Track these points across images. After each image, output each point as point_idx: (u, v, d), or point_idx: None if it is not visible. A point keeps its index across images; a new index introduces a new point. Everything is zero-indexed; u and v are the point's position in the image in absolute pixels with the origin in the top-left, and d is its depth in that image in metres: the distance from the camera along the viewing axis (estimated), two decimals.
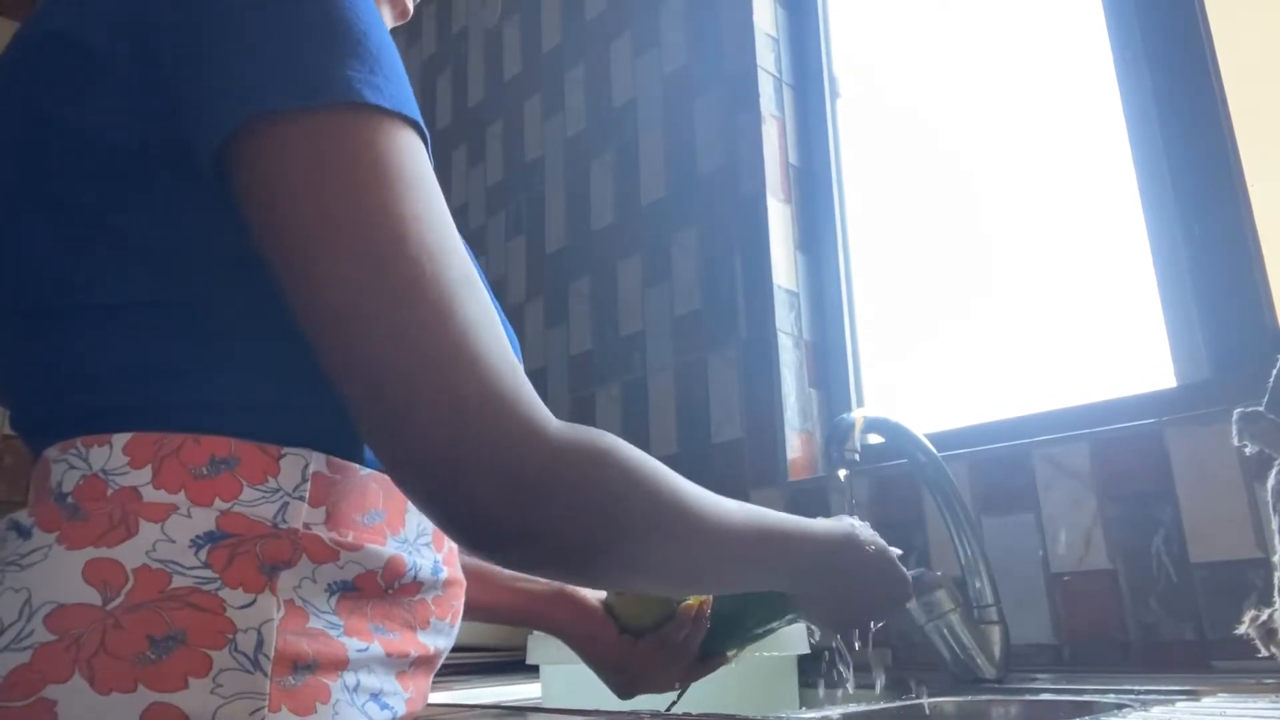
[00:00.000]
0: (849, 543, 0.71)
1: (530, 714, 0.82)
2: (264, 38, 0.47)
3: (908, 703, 0.87)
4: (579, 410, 1.67)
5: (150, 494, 0.48)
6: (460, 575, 0.63)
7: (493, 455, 0.45)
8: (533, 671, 1.07)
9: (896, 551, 0.77)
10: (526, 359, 1.79)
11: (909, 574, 0.77)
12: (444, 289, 0.46)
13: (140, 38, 0.49)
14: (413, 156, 0.49)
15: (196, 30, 0.48)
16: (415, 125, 0.50)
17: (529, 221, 1.88)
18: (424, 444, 0.44)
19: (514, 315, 1.85)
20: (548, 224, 1.83)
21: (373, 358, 0.44)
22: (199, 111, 0.48)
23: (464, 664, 1.34)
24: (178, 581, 0.46)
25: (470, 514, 0.45)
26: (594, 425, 1.62)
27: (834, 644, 0.79)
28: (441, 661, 0.61)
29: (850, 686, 0.86)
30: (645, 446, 1.53)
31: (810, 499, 1.27)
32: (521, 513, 0.46)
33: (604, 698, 0.87)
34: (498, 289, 1.91)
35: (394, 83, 0.49)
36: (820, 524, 0.70)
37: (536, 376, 1.77)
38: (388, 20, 0.71)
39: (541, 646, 1.00)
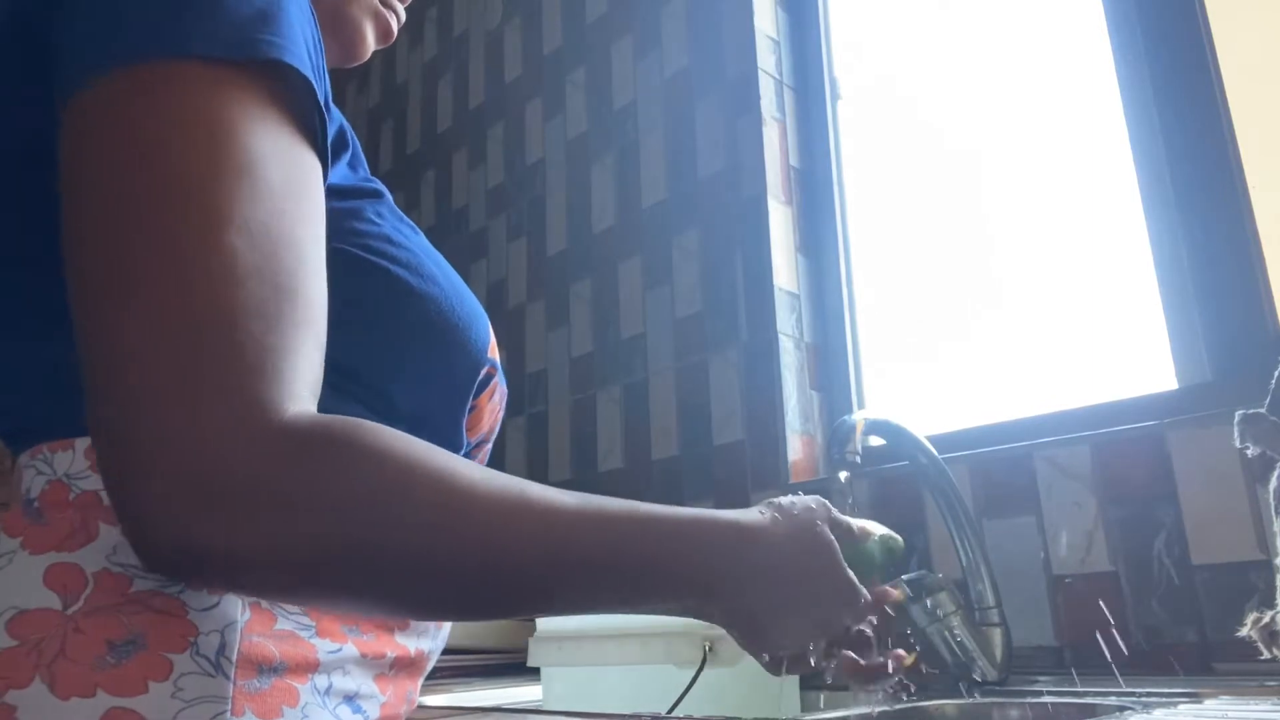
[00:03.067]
0: (782, 535, 0.54)
1: (531, 716, 0.82)
2: (97, 11, 0.44)
3: (909, 705, 0.87)
4: (580, 412, 1.67)
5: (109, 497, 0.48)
6: None
7: (176, 453, 0.37)
8: (533, 674, 1.07)
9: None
10: (527, 361, 1.79)
11: (860, 588, 0.58)
12: (205, 257, 0.39)
13: (15, 36, 0.48)
14: (230, 102, 0.42)
15: (53, 17, 0.46)
16: (273, 70, 0.44)
17: (530, 224, 1.88)
18: (114, 435, 0.38)
19: (515, 317, 1.85)
20: (549, 226, 1.83)
21: (95, 328, 0.39)
22: (57, 91, 0.46)
23: (464, 666, 1.34)
24: (139, 585, 0.46)
25: (136, 518, 0.38)
26: (595, 428, 1.63)
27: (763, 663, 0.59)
28: (430, 665, 0.60)
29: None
30: (646, 449, 1.54)
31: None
32: (211, 530, 0.37)
33: (604, 700, 0.87)
34: (499, 291, 1.91)
35: (237, 28, 0.43)
36: (730, 512, 0.54)
37: (537, 379, 1.77)
38: (371, 40, 0.68)
39: (542, 649, 1.00)
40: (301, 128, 0.46)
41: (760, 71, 1.48)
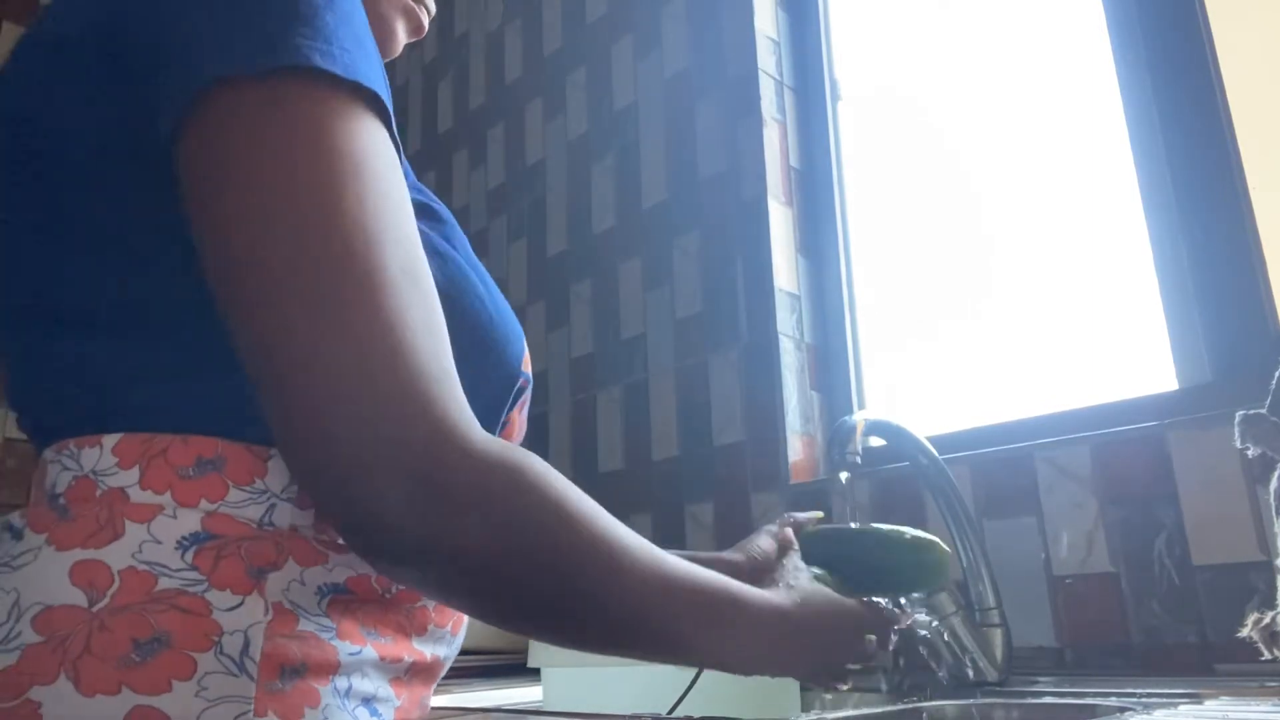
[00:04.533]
0: (806, 615, 0.63)
1: (531, 717, 0.82)
2: (214, 16, 0.46)
3: (909, 706, 0.87)
4: (580, 413, 1.67)
5: (137, 495, 0.48)
6: None
7: (403, 455, 0.42)
8: (534, 675, 1.07)
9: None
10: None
11: (861, 606, 0.68)
12: (376, 279, 0.43)
13: (111, 35, 0.49)
14: (363, 132, 0.46)
15: (155, 23, 0.48)
16: (374, 97, 0.48)
17: (530, 224, 1.89)
18: (330, 443, 0.42)
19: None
20: (549, 227, 1.83)
21: (285, 351, 0.42)
22: (155, 101, 0.47)
23: (465, 667, 1.34)
24: (164, 583, 0.46)
25: (369, 516, 0.42)
26: (596, 429, 1.63)
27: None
28: (444, 672, 0.60)
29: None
30: (647, 450, 1.54)
31: (812, 502, 1.26)
32: (429, 523, 0.43)
33: (605, 700, 0.87)
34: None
35: (351, 51, 0.47)
36: (771, 594, 0.62)
37: (538, 380, 1.77)
38: (402, 35, 0.69)
39: (543, 649, 1.00)
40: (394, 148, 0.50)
41: (760, 72, 1.48)
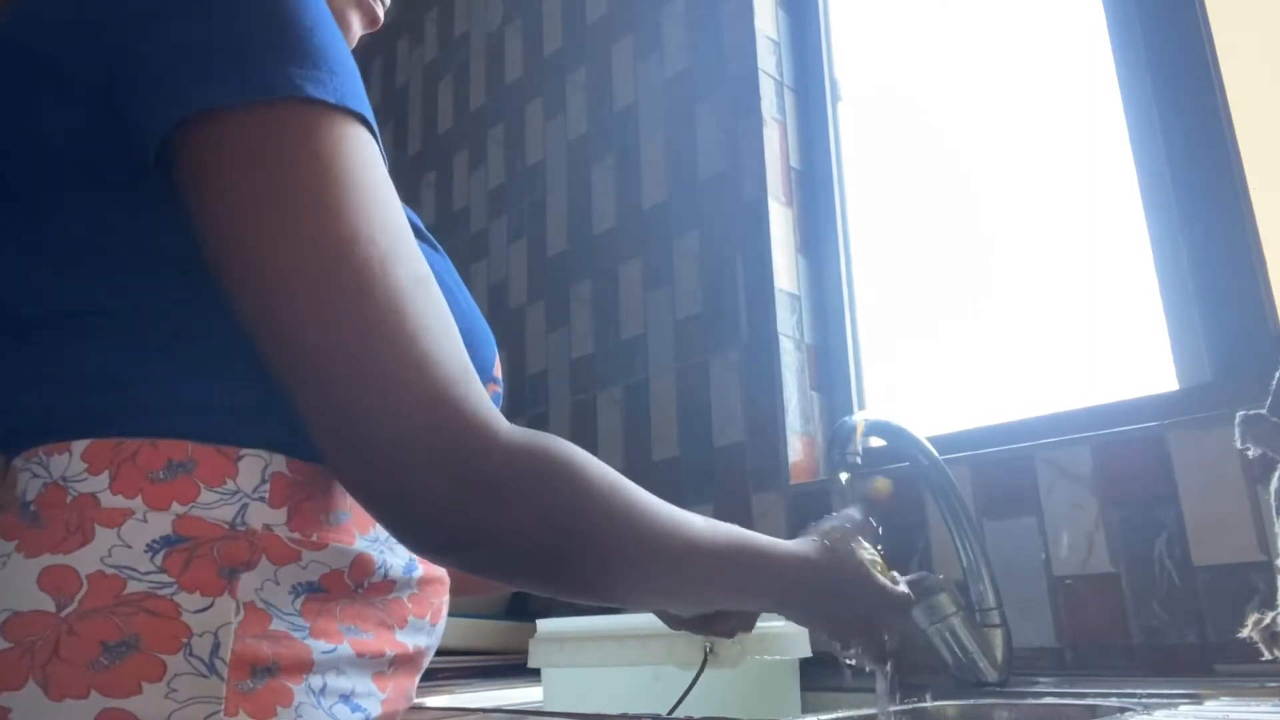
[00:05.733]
0: (829, 565, 0.68)
1: (531, 717, 0.82)
2: (205, 35, 0.47)
3: (910, 706, 0.87)
4: (580, 413, 1.67)
5: (108, 500, 0.48)
6: (440, 573, 0.62)
7: (445, 451, 0.45)
8: (534, 675, 1.07)
9: (866, 553, 0.73)
10: (528, 362, 1.79)
11: (900, 588, 0.72)
12: (393, 290, 0.46)
13: (84, 41, 0.49)
14: (360, 152, 0.48)
15: (137, 29, 0.48)
16: (364, 121, 0.49)
17: (530, 225, 1.88)
18: (374, 447, 0.44)
19: (515, 318, 1.85)
20: (549, 227, 1.83)
21: (320, 360, 0.44)
22: (140, 111, 0.47)
23: (465, 667, 1.34)
24: (133, 587, 0.46)
25: (422, 512, 0.45)
26: (596, 429, 1.63)
27: (841, 655, 0.74)
28: (427, 661, 0.61)
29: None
30: (647, 450, 1.54)
31: (812, 502, 1.26)
32: (479, 510, 0.46)
33: (605, 700, 0.87)
34: (499, 292, 1.91)
35: (340, 78, 0.49)
36: (796, 544, 0.67)
37: (538, 380, 1.77)
38: (357, 28, 0.70)
39: (543, 650, 1.00)
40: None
41: (761, 73, 1.48)
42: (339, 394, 0.44)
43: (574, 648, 0.97)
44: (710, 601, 0.65)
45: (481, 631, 1.36)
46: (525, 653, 1.03)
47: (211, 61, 0.46)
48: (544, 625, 1.02)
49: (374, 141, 0.50)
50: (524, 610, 1.50)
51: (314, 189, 0.46)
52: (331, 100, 0.47)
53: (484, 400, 0.47)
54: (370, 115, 0.50)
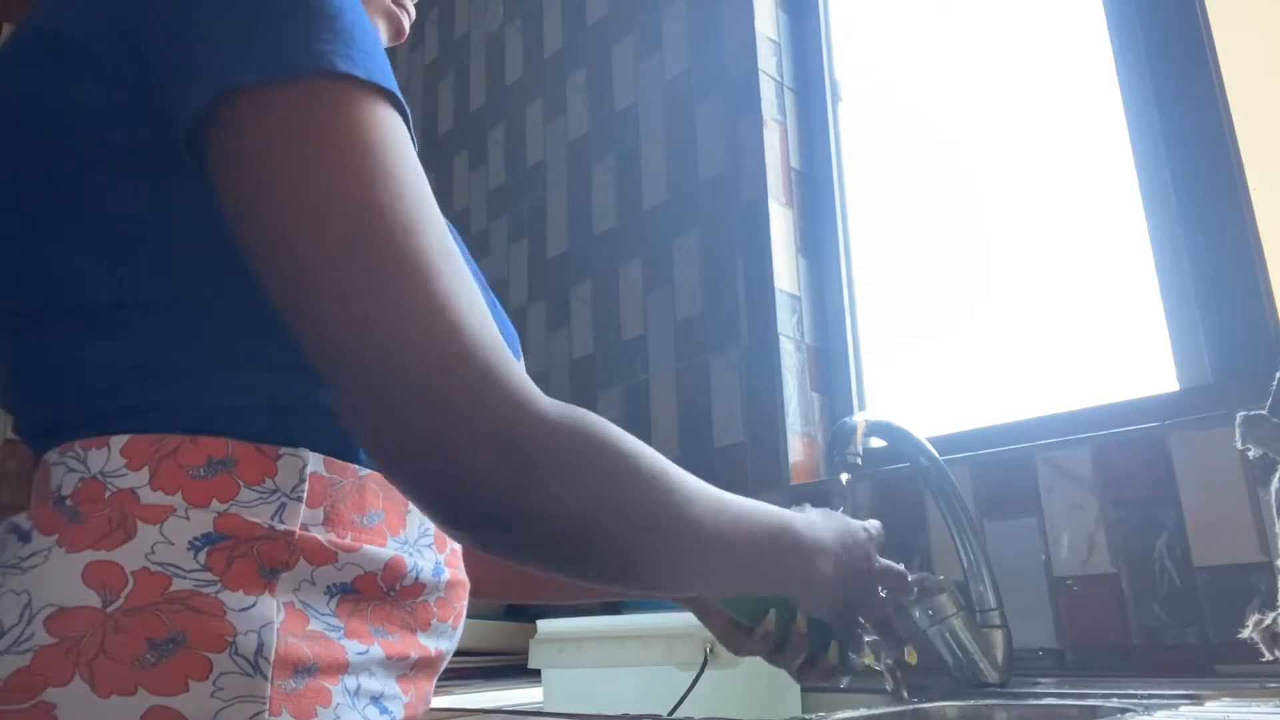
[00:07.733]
0: (848, 543, 0.67)
1: (531, 718, 0.82)
2: (236, 14, 0.47)
3: (910, 707, 0.87)
4: None
5: (148, 496, 0.48)
6: (463, 576, 0.62)
7: (484, 423, 0.44)
8: (534, 675, 1.07)
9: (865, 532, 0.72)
10: (528, 363, 1.79)
11: (898, 566, 0.71)
12: (422, 261, 0.45)
13: (116, 24, 0.49)
14: (389, 128, 0.48)
15: (168, 10, 0.48)
16: (393, 98, 0.49)
17: (531, 225, 1.89)
18: (409, 417, 0.43)
19: (516, 319, 1.85)
20: (549, 228, 1.83)
21: (351, 333, 0.43)
22: (172, 92, 0.47)
23: (465, 668, 1.34)
24: (178, 584, 0.46)
25: (459, 485, 0.43)
26: None
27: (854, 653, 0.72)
28: (445, 665, 0.61)
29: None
30: None
31: (812, 503, 1.26)
32: (518, 486, 0.44)
33: (605, 701, 0.87)
34: (499, 292, 1.91)
35: (368, 55, 0.48)
36: (824, 532, 0.66)
37: (538, 380, 1.76)
38: (384, 39, 0.70)
39: (543, 651, 1.00)
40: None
41: (761, 73, 1.48)
42: (370, 369, 0.43)
43: (574, 648, 0.97)
44: (741, 586, 0.63)
45: (482, 632, 1.36)
46: (525, 653, 1.03)
47: (242, 40, 0.46)
48: (544, 626, 1.02)
49: (404, 122, 0.50)
50: (524, 611, 1.50)
51: (345, 161, 0.45)
52: (362, 75, 0.47)
53: (518, 370, 0.47)
54: (399, 94, 0.50)
